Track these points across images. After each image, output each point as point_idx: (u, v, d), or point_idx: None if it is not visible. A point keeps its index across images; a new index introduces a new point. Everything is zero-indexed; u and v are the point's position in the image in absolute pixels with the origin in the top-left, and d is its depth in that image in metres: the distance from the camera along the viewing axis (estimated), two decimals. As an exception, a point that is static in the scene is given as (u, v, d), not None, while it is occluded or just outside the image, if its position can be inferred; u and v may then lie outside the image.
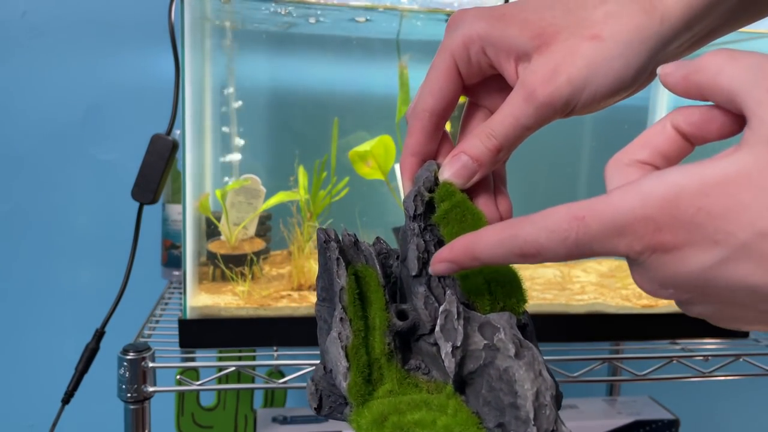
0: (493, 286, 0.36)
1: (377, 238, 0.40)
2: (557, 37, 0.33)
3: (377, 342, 0.35)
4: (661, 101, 0.93)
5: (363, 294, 0.37)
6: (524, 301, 0.36)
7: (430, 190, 0.37)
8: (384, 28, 0.79)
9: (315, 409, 0.37)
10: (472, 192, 0.37)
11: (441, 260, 0.32)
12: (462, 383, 0.34)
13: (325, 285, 0.38)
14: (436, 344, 0.34)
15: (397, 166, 0.77)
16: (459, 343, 0.33)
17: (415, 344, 0.37)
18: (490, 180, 0.39)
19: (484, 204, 0.38)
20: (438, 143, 0.38)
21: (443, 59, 0.36)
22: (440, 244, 0.37)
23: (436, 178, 0.37)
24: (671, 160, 0.28)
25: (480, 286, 0.36)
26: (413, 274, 0.37)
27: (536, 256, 0.28)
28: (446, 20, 0.77)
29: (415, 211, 0.37)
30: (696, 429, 1.20)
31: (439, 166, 0.37)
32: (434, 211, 0.37)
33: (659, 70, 0.27)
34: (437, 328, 0.33)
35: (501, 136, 0.34)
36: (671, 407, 0.91)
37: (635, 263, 0.27)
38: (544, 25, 0.33)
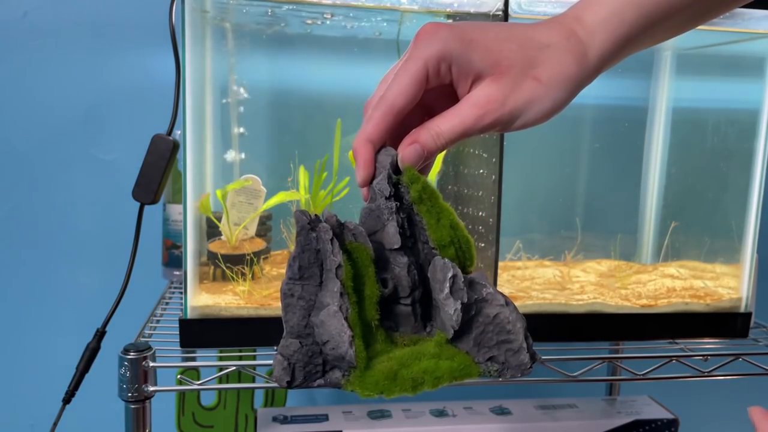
0: (459, 253, 0.43)
1: (326, 212, 0.44)
2: (510, 71, 0.42)
3: (369, 310, 0.41)
4: (661, 101, 0.93)
5: (353, 268, 0.41)
6: (473, 263, 0.44)
7: (395, 173, 0.43)
8: (384, 28, 0.79)
9: (288, 383, 0.40)
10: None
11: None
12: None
13: (303, 264, 0.41)
14: (410, 305, 0.42)
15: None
16: (466, 300, 0.40)
17: (391, 307, 0.43)
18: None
19: None
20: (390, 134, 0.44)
21: (418, 66, 0.42)
22: (410, 219, 0.43)
23: (395, 162, 0.43)
24: None
25: (452, 255, 0.43)
26: (395, 247, 0.42)
27: None
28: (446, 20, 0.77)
29: (390, 192, 0.42)
30: (695, 429, 1.20)
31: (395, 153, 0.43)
32: (399, 190, 0.43)
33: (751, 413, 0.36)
34: (447, 290, 0.40)
35: (447, 138, 0.42)
36: (671, 407, 0.91)
37: None
38: (501, 58, 0.42)
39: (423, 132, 0.42)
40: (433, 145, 0.42)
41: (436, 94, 0.44)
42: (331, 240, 0.40)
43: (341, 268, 0.40)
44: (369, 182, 0.43)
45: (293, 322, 0.40)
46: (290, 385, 0.40)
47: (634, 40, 0.44)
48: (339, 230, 0.42)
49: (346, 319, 0.39)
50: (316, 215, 0.42)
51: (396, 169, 0.43)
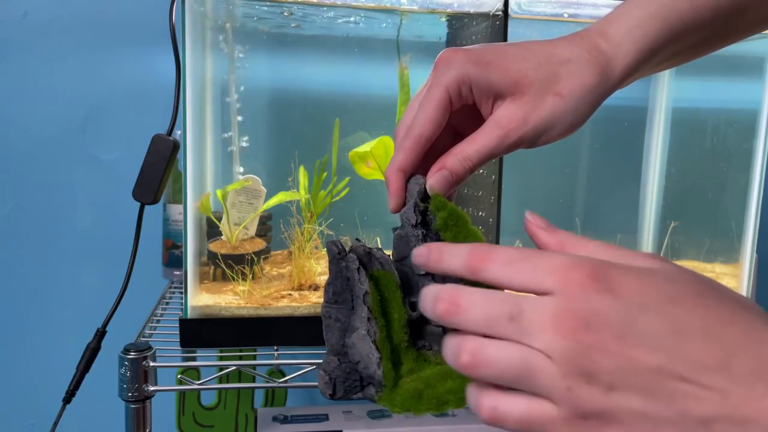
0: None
1: (356, 239, 0.47)
2: (530, 89, 0.42)
3: (397, 332, 0.43)
4: (661, 101, 0.93)
5: (380, 294, 0.43)
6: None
7: (423, 200, 0.44)
8: (384, 28, 0.79)
9: (330, 395, 0.43)
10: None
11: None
12: None
13: (337, 290, 0.44)
14: (440, 326, 0.41)
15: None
16: None
17: (423, 328, 0.44)
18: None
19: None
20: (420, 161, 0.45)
21: (440, 93, 0.43)
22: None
23: (424, 190, 0.44)
24: None
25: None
26: (422, 273, 0.43)
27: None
28: (446, 20, 0.77)
29: (417, 220, 0.43)
30: (695, 429, 1.20)
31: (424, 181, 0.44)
32: (426, 217, 0.44)
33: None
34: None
35: (475, 160, 0.43)
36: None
37: None
38: (520, 76, 0.42)
39: (449, 158, 0.43)
40: (461, 169, 0.43)
41: (462, 116, 0.45)
42: (358, 269, 0.43)
43: (368, 295, 0.42)
44: (400, 210, 0.45)
45: (332, 342, 0.43)
46: (333, 397, 0.43)
47: (658, 53, 0.45)
48: (367, 259, 0.44)
49: (374, 342, 0.41)
50: (345, 245, 0.45)
51: (424, 197, 0.44)
